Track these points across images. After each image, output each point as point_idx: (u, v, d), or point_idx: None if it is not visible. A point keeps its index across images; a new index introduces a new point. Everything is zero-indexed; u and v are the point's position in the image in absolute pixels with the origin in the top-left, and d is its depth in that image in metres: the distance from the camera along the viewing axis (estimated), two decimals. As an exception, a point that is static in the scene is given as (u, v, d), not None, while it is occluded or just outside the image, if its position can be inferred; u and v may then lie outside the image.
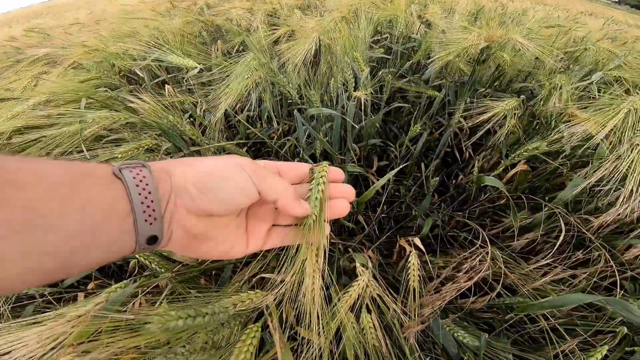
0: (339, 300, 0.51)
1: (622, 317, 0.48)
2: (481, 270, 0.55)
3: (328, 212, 0.34)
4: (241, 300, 0.46)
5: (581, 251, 0.65)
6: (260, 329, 0.45)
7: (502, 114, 0.71)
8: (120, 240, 0.24)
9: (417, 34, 1.05)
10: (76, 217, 0.21)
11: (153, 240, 0.26)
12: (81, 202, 0.21)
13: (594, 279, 0.60)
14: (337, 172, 0.36)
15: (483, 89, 0.94)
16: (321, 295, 0.45)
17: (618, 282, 0.56)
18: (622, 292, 0.57)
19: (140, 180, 0.25)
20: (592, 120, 0.58)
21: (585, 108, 0.68)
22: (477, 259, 0.59)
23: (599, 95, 0.78)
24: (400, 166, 0.62)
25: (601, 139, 0.57)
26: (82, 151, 0.65)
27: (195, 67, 0.80)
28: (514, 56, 0.90)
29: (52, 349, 0.35)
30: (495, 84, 1.00)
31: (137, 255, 0.63)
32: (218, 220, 0.30)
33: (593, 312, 0.59)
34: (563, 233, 0.59)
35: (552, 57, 0.87)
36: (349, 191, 0.36)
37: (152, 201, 0.25)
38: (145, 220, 0.25)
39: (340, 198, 0.35)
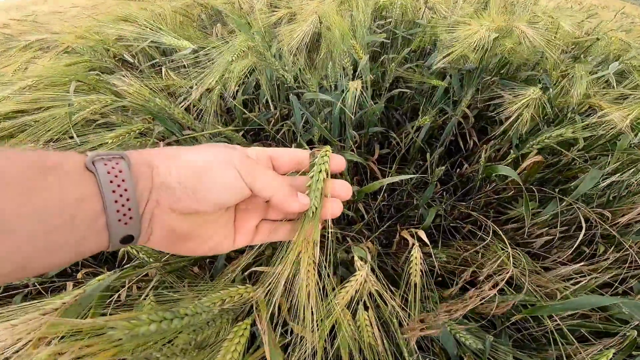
0: (334, 296, 0.47)
1: (637, 320, 0.43)
2: (503, 274, 0.50)
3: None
4: (230, 296, 0.42)
5: (591, 248, 0.61)
6: (249, 326, 0.41)
7: (526, 104, 0.64)
8: (90, 239, 0.21)
9: (422, 19, 0.97)
10: (34, 219, 0.18)
11: (128, 239, 0.23)
12: (40, 202, 0.18)
13: (604, 277, 0.56)
14: (338, 161, 0.31)
15: (489, 77, 0.87)
16: (316, 290, 0.41)
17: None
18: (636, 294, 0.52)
19: (116, 176, 0.21)
20: (621, 111, 0.52)
21: (604, 97, 0.62)
22: (497, 262, 0.54)
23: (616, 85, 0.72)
24: (412, 176, 0.56)
25: (626, 131, 0.51)
26: (72, 137, 0.60)
27: (187, 48, 0.74)
28: (519, 44, 0.83)
29: (24, 344, 0.31)
30: (501, 71, 0.93)
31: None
32: (204, 217, 0.26)
33: (597, 312, 0.55)
34: (583, 230, 0.54)
35: (558, 48, 0.81)
36: (345, 190, 0.31)
37: (127, 199, 0.21)
38: (119, 220, 0.21)
39: (334, 198, 0.31)
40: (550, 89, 0.77)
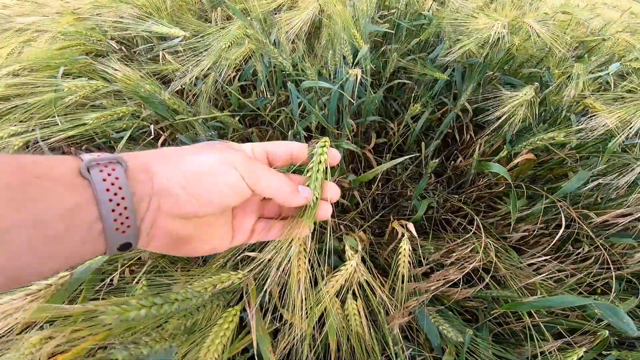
0: (325, 284, 0.48)
1: (608, 321, 0.45)
2: (473, 262, 0.52)
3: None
4: (221, 281, 0.42)
5: (575, 246, 0.62)
6: (239, 312, 0.42)
7: (519, 104, 0.64)
8: (86, 247, 0.20)
9: (428, 11, 0.95)
10: (27, 232, 0.17)
11: (126, 246, 0.22)
12: (33, 213, 0.18)
13: (584, 277, 0.57)
14: (332, 155, 0.31)
15: (491, 72, 0.86)
16: (306, 278, 0.42)
17: (613, 282, 0.52)
18: (612, 293, 0.54)
19: (112, 183, 0.20)
20: (613, 114, 0.52)
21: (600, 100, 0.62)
22: (469, 248, 0.56)
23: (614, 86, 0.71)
24: (406, 157, 0.56)
25: (617, 133, 0.51)
26: (65, 114, 0.59)
27: (178, 37, 0.73)
28: (525, 41, 0.82)
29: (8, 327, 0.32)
30: (504, 67, 0.92)
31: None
32: (205, 220, 0.26)
33: (575, 311, 0.56)
34: (562, 228, 0.55)
35: (564, 45, 0.79)
36: (334, 192, 0.31)
37: (125, 208, 0.21)
38: (117, 229, 0.21)
39: (324, 201, 0.31)
40: (550, 86, 0.77)
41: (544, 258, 0.56)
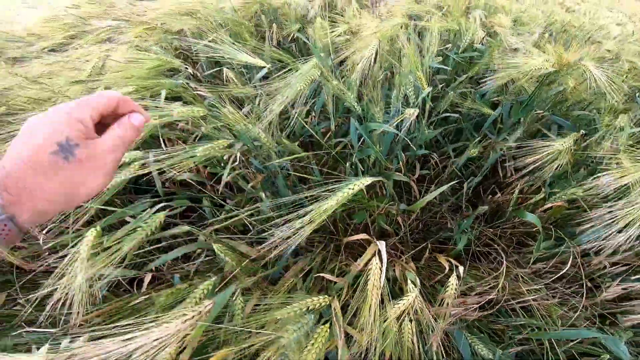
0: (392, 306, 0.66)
1: (612, 352, 0.63)
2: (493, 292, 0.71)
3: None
4: (313, 304, 0.61)
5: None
6: (328, 330, 0.61)
7: (555, 153, 0.79)
8: None
9: (480, 44, 1.08)
10: None
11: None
12: None
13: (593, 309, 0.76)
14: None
15: (541, 112, 1.00)
16: (377, 305, 0.61)
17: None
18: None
19: None
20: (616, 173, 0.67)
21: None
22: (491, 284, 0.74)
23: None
24: (450, 183, 0.72)
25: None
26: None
27: (264, 67, 0.87)
28: (580, 84, 0.94)
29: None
30: (555, 107, 1.05)
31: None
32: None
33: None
34: (568, 266, 0.73)
35: (620, 92, 0.90)
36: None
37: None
38: None
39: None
40: (595, 134, 0.90)
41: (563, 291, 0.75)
